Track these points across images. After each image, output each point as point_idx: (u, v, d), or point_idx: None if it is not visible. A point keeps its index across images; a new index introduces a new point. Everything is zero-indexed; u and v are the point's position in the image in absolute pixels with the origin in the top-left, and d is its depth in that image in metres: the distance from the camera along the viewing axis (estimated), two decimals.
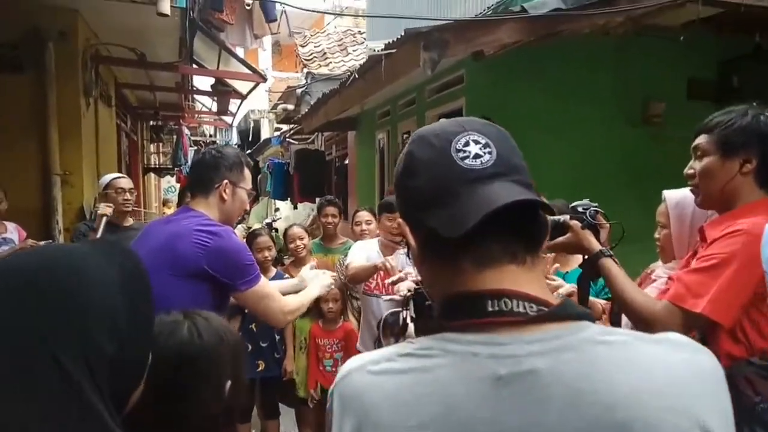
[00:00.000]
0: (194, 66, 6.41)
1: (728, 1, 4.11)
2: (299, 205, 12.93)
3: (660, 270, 2.09)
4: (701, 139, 1.65)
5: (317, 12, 5.05)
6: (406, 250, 0.76)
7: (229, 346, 1.15)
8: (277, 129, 15.56)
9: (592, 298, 1.99)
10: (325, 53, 10.76)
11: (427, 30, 4.02)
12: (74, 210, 4.88)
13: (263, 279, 2.08)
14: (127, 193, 3.83)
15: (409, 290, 0.97)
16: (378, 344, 3.20)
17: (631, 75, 5.14)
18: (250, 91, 6.67)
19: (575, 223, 1.81)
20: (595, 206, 1.84)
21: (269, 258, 3.65)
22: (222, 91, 6.93)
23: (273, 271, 3.68)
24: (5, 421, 0.67)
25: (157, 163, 11.15)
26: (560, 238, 1.85)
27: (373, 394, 0.70)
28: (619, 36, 4.72)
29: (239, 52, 6.63)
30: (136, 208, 7.34)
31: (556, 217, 1.89)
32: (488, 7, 4.64)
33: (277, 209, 15.42)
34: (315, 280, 2.42)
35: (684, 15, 4.42)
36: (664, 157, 5.26)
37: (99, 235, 3.48)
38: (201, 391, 1.06)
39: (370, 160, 8.47)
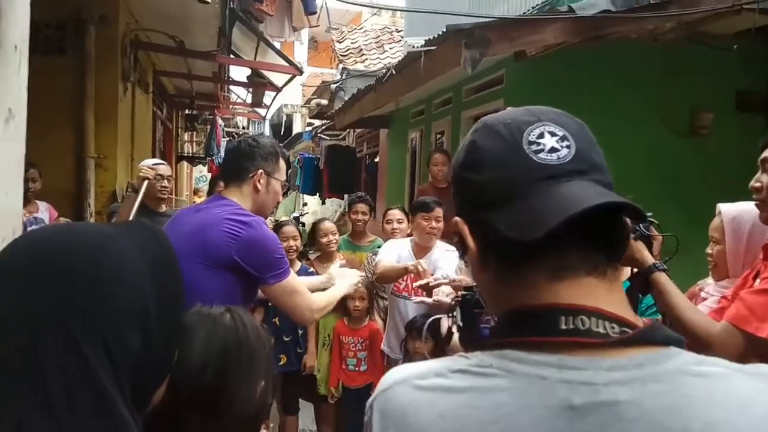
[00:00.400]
0: (231, 56, 6.41)
1: None
2: (327, 201, 12.94)
3: (711, 288, 1.97)
4: None
5: (357, 4, 4.96)
6: (460, 252, 0.67)
7: (266, 344, 1.10)
8: (309, 124, 15.60)
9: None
10: (361, 50, 10.72)
11: (469, 27, 3.91)
12: (107, 194, 4.91)
13: (293, 273, 2.02)
14: (165, 180, 3.77)
15: (455, 295, 0.89)
16: (404, 346, 3.13)
17: (679, 84, 4.95)
18: (285, 83, 6.65)
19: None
20: (650, 216, 1.72)
21: (294, 248, 3.59)
22: (258, 83, 6.93)
23: (298, 264, 3.62)
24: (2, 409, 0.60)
25: (190, 151, 11.25)
26: None
27: (421, 414, 0.62)
28: (667, 43, 4.55)
29: (276, 44, 6.62)
30: (171, 196, 7.41)
31: None
32: (533, 7, 4.51)
33: (305, 204, 15.48)
34: (343, 279, 2.36)
35: (738, 24, 4.23)
36: (710, 168, 5.09)
37: (140, 196, 3.38)
38: (240, 383, 0.99)
39: (401, 159, 8.38)
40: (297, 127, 19.33)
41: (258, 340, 1.07)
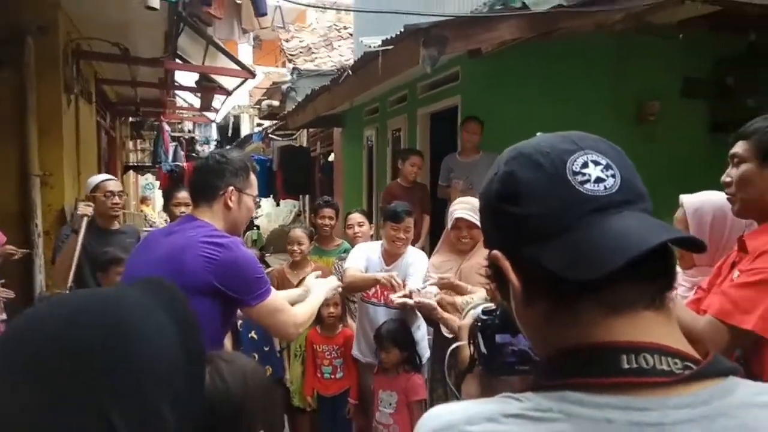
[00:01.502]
0: (179, 61, 6.21)
1: None
2: (281, 203, 12.77)
3: (680, 277, 2.02)
4: (739, 146, 1.58)
5: (309, 6, 4.88)
6: (495, 285, 0.64)
7: (259, 390, 1.02)
8: (258, 125, 15.32)
9: None
10: (310, 48, 10.60)
11: (426, 26, 3.90)
12: (55, 212, 4.67)
13: (273, 291, 1.96)
14: (116, 197, 3.61)
15: (477, 321, 0.87)
16: (377, 355, 3.10)
17: (628, 74, 5.10)
18: (236, 87, 6.49)
19: None
20: None
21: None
22: (207, 87, 6.73)
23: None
24: None
25: (136, 160, 10.82)
26: None
27: None
28: (616, 35, 4.67)
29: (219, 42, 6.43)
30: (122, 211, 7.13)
31: None
32: (483, 3, 4.54)
33: (258, 206, 15.23)
34: (320, 284, 2.31)
35: (682, 12, 4.38)
36: (658, 154, 5.26)
37: (81, 238, 3.24)
38: None
39: (357, 157, 8.34)
40: (245, 129, 18.97)
41: (245, 386, 0.99)
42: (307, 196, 11.55)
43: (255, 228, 12.44)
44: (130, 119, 9.51)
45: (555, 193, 0.64)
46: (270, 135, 12.59)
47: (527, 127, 5.46)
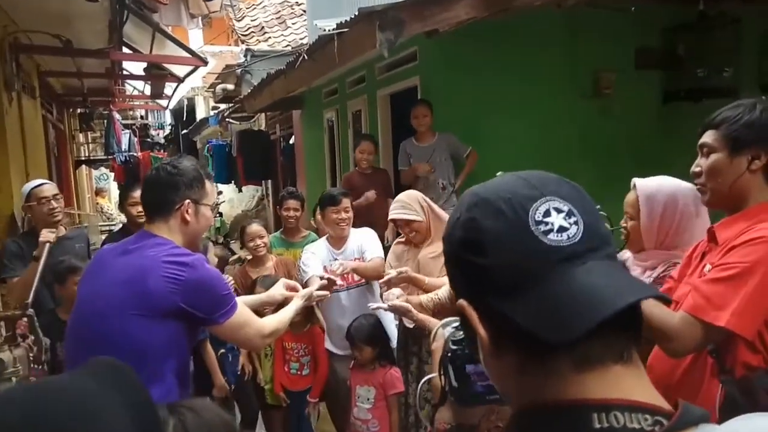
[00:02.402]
0: (126, 50, 5.95)
1: None
2: (243, 188, 12.56)
3: (630, 261, 2.05)
4: (708, 136, 1.58)
5: None
6: (464, 333, 0.61)
7: None
8: (215, 107, 14.92)
9: None
10: (263, 27, 10.30)
11: (382, 9, 3.83)
12: (4, 218, 4.46)
13: (240, 305, 1.90)
14: (53, 201, 3.36)
15: (447, 351, 0.86)
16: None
17: (582, 48, 5.12)
18: (188, 74, 6.27)
19: None
20: (601, 211, 1.75)
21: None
22: (157, 75, 6.49)
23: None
24: None
25: (88, 154, 10.36)
26: None
27: None
28: (569, 10, 4.68)
29: (167, 28, 6.18)
30: (69, 211, 6.86)
31: None
32: None
33: (220, 192, 14.93)
34: (295, 302, 2.27)
35: None
36: (615, 127, 5.34)
37: (41, 264, 3.01)
38: None
39: (318, 140, 8.22)
40: (200, 111, 18.45)
41: None
42: (270, 181, 11.37)
43: (218, 215, 12.22)
44: (79, 110, 9.09)
45: (518, 245, 0.63)
46: (227, 119, 12.29)
47: (486, 104, 5.47)
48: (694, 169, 1.62)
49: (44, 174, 6.16)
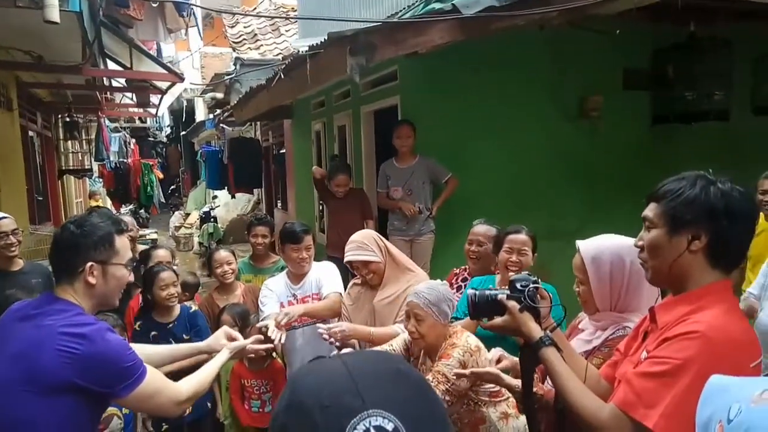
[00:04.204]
0: (107, 61, 5.84)
1: None
2: (237, 194, 12.46)
3: (585, 321, 1.94)
4: (650, 209, 1.46)
5: (226, 12, 4.58)
6: None
7: None
8: (212, 110, 14.84)
9: (540, 385, 1.80)
10: (255, 34, 10.17)
11: (352, 33, 3.71)
12: None
13: (149, 374, 1.73)
14: (11, 236, 3.35)
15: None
16: None
17: (568, 69, 4.99)
18: (168, 89, 6.17)
19: (513, 305, 1.61)
20: (535, 281, 1.64)
21: (174, 295, 3.20)
22: (138, 87, 6.40)
23: (178, 308, 3.27)
24: None
25: (75, 164, 10.01)
26: (497, 320, 1.65)
27: None
28: (553, 31, 4.54)
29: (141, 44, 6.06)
30: (46, 226, 6.76)
31: (492, 292, 1.69)
32: (408, 6, 4.34)
33: (215, 196, 14.82)
34: (224, 349, 2.15)
35: (621, 4, 4.26)
36: (602, 148, 5.20)
37: None
38: None
39: (306, 150, 8.11)
40: (200, 113, 18.36)
41: None
42: (262, 189, 11.27)
43: (211, 220, 12.11)
44: (66, 119, 8.92)
45: None
46: (221, 124, 12.20)
47: (467, 128, 5.31)
48: (637, 242, 1.50)
49: (22, 186, 6.09)
